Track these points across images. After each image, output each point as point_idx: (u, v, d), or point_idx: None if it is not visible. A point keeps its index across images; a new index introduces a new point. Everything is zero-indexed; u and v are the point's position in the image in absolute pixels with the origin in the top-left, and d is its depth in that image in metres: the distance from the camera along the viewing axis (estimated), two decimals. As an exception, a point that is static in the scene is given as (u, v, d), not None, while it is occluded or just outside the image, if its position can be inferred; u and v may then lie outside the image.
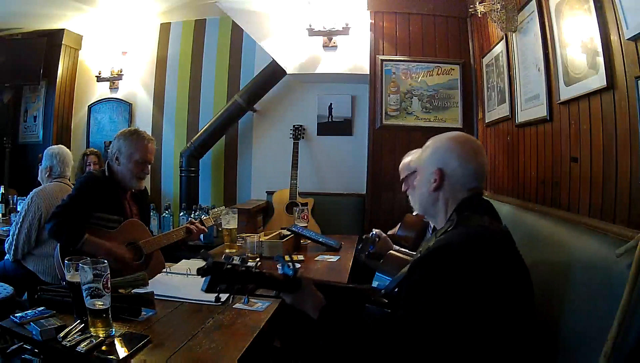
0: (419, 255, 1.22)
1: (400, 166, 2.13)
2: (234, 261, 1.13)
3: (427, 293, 1.04)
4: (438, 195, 1.25)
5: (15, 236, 2.41)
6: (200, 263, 1.11)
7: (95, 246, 1.87)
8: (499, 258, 1.07)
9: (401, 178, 2.09)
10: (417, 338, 1.01)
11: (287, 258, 1.22)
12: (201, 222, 2.34)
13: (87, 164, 3.75)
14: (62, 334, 1.18)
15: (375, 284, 1.52)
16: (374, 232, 2.12)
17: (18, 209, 2.86)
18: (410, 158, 2.08)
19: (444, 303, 1.01)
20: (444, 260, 1.06)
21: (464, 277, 1.02)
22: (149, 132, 2.26)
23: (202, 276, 1.08)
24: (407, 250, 2.06)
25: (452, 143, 1.26)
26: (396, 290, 1.25)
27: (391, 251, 1.71)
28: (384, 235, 2.13)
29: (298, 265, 2.02)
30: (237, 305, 1.46)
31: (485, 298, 1.02)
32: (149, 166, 2.15)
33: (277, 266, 1.23)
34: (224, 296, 1.20)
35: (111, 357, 1.11)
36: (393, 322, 1.07)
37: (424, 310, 1.02)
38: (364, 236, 2.14)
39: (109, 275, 1.20)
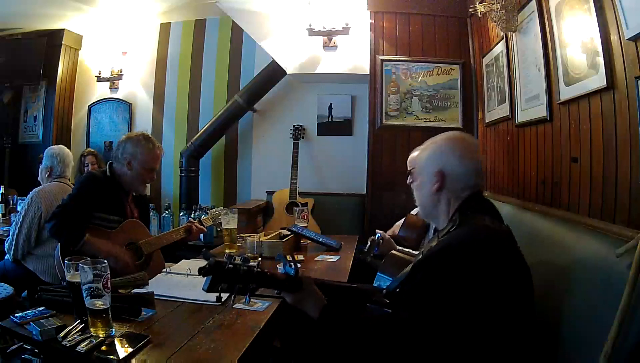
0: (422, 255, 1.22)
1: (409, 159, 2.12)
2: (236, 261, 1.11)
3: (431, 294, 1.04)
4: (440, 196, 1.25)
5: (15, 236, 2.41)
6: (201, 262, 1.10)
7: (95, 247, 1.87)
8: (502, 258, 1.07)
9: (408, 169, 2.08)
10: (420, 338, 1.01)
11: (288, 257, 1.22)
12: (200, 222, 2.34)
13: (85, 165, 3.73)
14: (62, 334, 1.18)
15: (376, 284, 1.52)
16: (378, 234, 2.12)
17: (18, 209, 2.85)
18: (418, 153, 2.06)
19: (448, 303, 1.01)
20: (448, 260, 1.06)
21: (468, 277, 1.02)
22: (149, 133, 2.28)
23: (204, 276, 1.07)
24: (409, 250, 2.07)
25: (449, 142, 1.26)
26: (398, 289, 1.25)
27: (392, 252, 1.71)
28: (387, 236, 2.13)
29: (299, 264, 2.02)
30: (237, 305, 1.46)
31: (488, 298, 1.02)
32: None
33: (278, 266, 1.22)
34: (224, 296, 1.20)
35: (111, 357, 1.11)
36: (396, 322, 1.07)
37: (428, 311, 1.02)
38: (369, 239, 2.14)
39: (109, 275, 1.20)
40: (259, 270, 1.13)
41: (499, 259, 1.07)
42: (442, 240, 1.16)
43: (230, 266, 1.09)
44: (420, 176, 1.32)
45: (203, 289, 1.08)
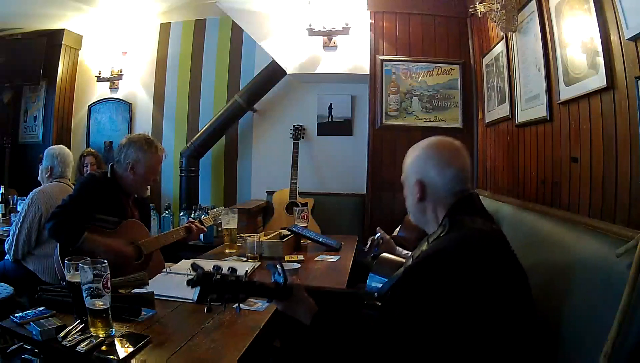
0: (412, 260, 1.21)
1: None
2: (223, 271, 1.13)
3: (420, 300, 1.02)
4: (424, 205, 1.24)
5: (15, 236, 2.41)
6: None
7: (95, 243, 1.88)
8: (494, 261, 1.07)
9: None
10: (412, 343, 1.00)
11: (277, 266, 1.22)
12: (200, 222, 2.35)
13: (85, 165, 3.72)
14: (62, 334, 1.18)
15: (369, 283, 1.52)
16: (379, 234, 2.12)
17: (18, 209, 2.85)
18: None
19: (439, 310, 1.00)
20: (438, 266, 1.05)
21: (459, 283, 1.01)
22: (149, 133, 2.27)
23: (192, 287, 1.09)
24: (407, 252, 2.07)
25: (427, 151, 1.24)
26: (389, 293, 1.25)
27: (383, 254, 1.71)
28: (387, 236, 2.13)
29: (297, 265, 2.01)
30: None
31: (481, 303, 1.01)
32: None
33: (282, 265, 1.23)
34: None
35: (111, 357, 1.11)
36: (386, 326, 1.06)
37: (418, 316, 1.01)
38: (370, 238, 2.14)
39: (109, 275, 1.20)
40: (247, 279, 1.14)
41: (491, 262, 1.06)
42: (433, 246, 1.14)
43: (218, 277, 1.10)
44: (405, 183, 1.32)
45: (193, 300, 1.09)
